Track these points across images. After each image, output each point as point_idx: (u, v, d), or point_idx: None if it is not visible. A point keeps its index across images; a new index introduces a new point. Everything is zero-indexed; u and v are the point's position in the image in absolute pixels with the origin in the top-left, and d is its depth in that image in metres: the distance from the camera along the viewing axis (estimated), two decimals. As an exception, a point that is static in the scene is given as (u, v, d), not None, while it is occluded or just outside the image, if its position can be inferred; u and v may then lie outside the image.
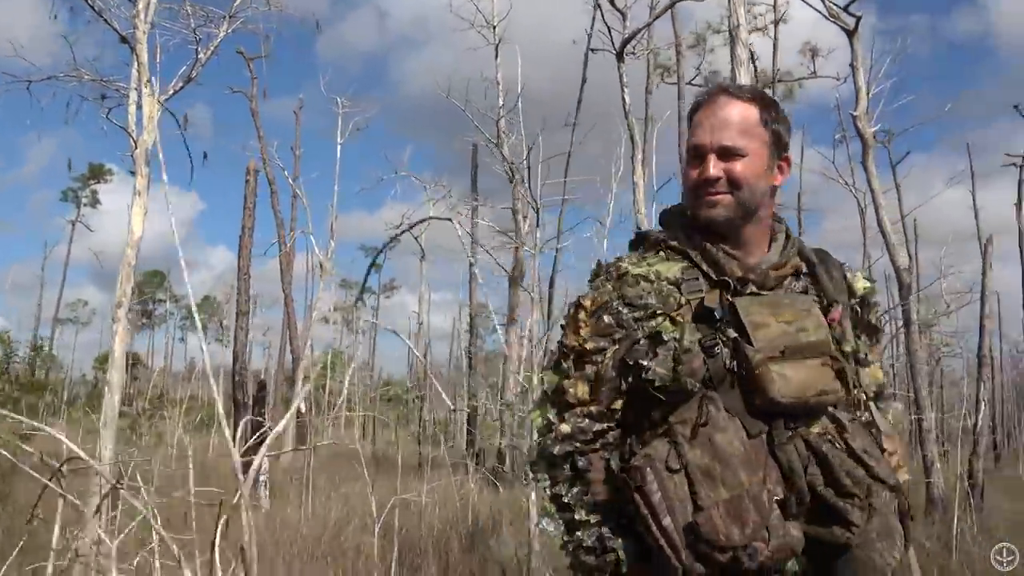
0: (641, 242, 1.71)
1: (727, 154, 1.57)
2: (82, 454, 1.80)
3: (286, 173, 15.81)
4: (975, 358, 11.21)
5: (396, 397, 32.51)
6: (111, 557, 2.15)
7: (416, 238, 12.56)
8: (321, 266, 18.12)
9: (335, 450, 14.64)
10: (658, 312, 1.57)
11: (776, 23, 15.22)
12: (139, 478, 2.92)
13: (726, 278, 1.57)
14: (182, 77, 6.06)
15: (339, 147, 12.78)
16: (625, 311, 1.58)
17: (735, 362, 1.48)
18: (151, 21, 6.03)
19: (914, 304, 11.23)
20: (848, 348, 1.58)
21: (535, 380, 5.67)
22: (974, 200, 20.09)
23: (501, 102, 13.09)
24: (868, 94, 9.99)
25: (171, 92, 5.96)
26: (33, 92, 6.94)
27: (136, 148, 5.96)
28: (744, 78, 4.02)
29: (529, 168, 9.12)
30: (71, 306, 53.49)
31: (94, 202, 45.62)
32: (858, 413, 1.58)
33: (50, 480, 1.90)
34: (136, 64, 5.85)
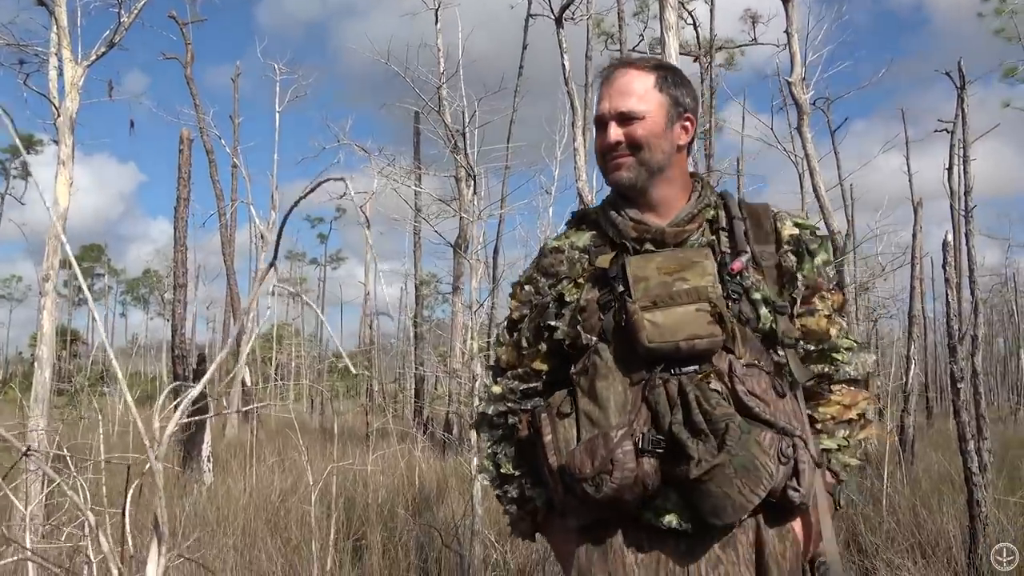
0: (573, 219, 1.86)
1: (625, 119, 1.68)
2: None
3: (223, 142, 15.46)
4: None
5: (346, 369, 32.33)
6: (26, 528, 2.12)
7: (360, 207, 12.41)
8: (262, 237, 17.85)
9: (282, 423, 14.54)
10: (564, 277, 1.72)
11: (716, -11, 15.27)
12: (64, 449, 2.87)
13: (624, 240, 1.68)
14: (105, 42, 5.84)
15: (278, 115, 12.55)
16: (542, 280, 1.76)
17: (622, 315, 1.58)
18: (70, -18, 5.80)
19: (849, 266, 11.52)
20: (758, 295, 1.62)
21: (475, 347, 5.69)
22: (908, 165, 20.61)
23: (442, 68, 12.95)
24: (804, 61, 10.13)
25: (94, 57, 5.74)
26: (-53, 57, 6.65)
27: (59, 116, 5.76)
28: (673, 43, 4.03)
29: (465, 136, 9.06)
30: (4, 282, 51.85)
31: (24, 174, 44.03)
32: (762, 359, 1.61)
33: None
34: (55, 28, 5.63)
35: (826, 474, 1.68)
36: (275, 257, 1.82)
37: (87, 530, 2.52)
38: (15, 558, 2.12)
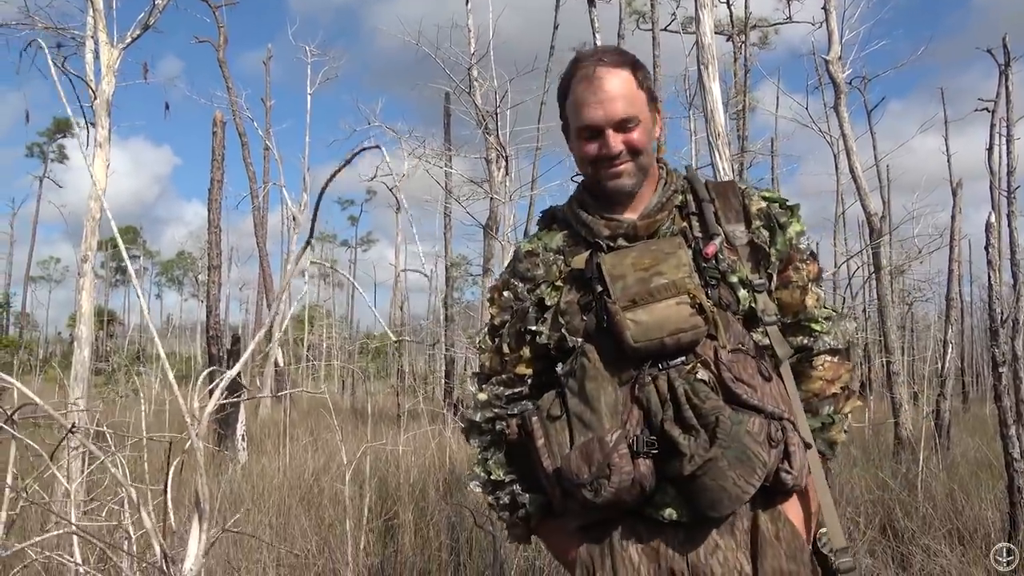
0: (543, 219, 1.85)
1: (622, 125, 1.63)
2: (35, 399, 1.79)
3: (255, 125, 15.57)
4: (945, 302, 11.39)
5: (378, 350, 32.60)
6: (71, 504, 2.16)
7: (391, 189, 12.44)
8: (294, 219, 17.99)
9: (315, 403, 14.70)
10: (542, 281, 1.72)
11: (751, -33, 15.00)
12: (104, 427, 2.92)
13: (597, 239, 1.67)
14: (139, 24, 5.88)
15: (309, 97, 12.59)
16: (520, 285, 1.75)
17: (603, 315, 1.57)
18: (105, -35, 5.83)
19: (885, 249, 11.33)
20: (735, 278, 1.61)
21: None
22: (947, 146, 20.21)
23: (473, 49, 12.88)
24: (841, 39, 9.93)
25: (129, 40, 5.80)
26: (-14, 41, 6.73)
27: (95, 99, 5.82)
28: (708, 20, 3.97)
29: (496, 116, 8.99)
30: (43, 264, 52.88)
31: (61, 157, 44.76)
32: (745, 342, 1.59)
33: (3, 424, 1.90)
34: (91, 11, 5.68)
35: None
36: (311, 236, 1.83)
37: (127, 506, 2.56)
38: (59, 532, 2.16)
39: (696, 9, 3.97)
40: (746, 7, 14.72)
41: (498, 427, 1.74)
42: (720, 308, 1.57)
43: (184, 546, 1.87)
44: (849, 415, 1.72)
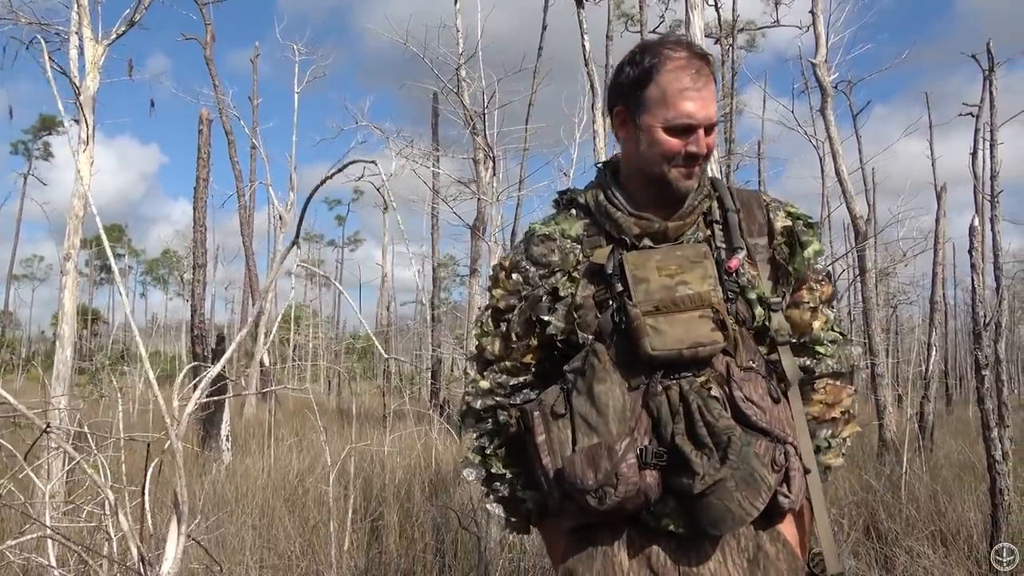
0: (561, 201, 1.76)
1: (710, 128, 1.58)
2: (9, 398, 1.76)
3: (242, 123, 15.48)
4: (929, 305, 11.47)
5: (364, 351, 32.49)
6: (46, 504, 2.13)
7: (378, 189, 12.39)
8: (281, 218, 17.90)
9: (300, 403, 14.62)
10: (557, 269, 1.64)
11: (739, -30, 15.05)
12: (85, 427, 2.88)
13: (623, 236, 1.61)
14: (125, 20, 5.83)
15: (296, 96, 12.53)
16: (532, 269, 1.66)
17: (621, 316, 1.53)
18: (90, -40, 5.78)
19: (870, 252, 11.39)
20: (753, 295, 1.59)
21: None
22: (932, 150, 20.32)
23: (461, 49, 12.85)
24: (828, 42, 9.97)
25: (114, 36, 5.74)
26: (-33, 37, 6.66)
27: (80, 95, 5.77)
28: (698, 22, 3.97)
29: (484, 117, 8.99)
30: (26, 262, 52.42)
31: (47, 155, 44.37)
32: (756, 360, 1.57)
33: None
34: (76, 6, 5.63)
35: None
36: (297, 236, 1.81)
37: (107, 508, 2.53)
38: (36, 535, 2.13)
39: (686, 11, 3.97)
40: (734, 10, 14.77)
41: (500, 417, 1.68)
42: (737, 323, 1.55)
43: (164, 548, 1.84)
44: (847, 440, 1.70)
